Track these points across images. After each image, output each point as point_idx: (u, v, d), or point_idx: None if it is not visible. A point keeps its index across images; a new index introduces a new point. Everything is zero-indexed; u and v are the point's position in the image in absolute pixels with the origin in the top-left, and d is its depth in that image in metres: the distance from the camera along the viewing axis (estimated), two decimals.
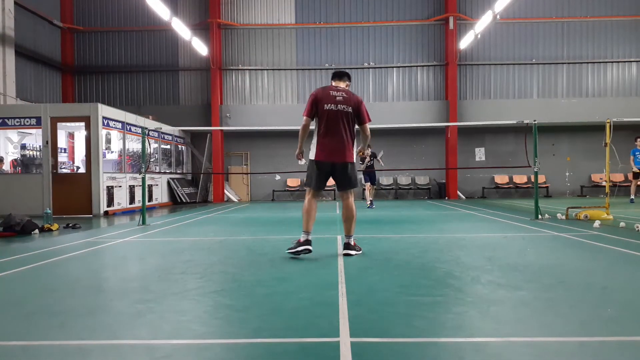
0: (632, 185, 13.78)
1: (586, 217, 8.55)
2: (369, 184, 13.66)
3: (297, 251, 4.86)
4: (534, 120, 9.15)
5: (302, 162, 5.32)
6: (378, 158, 13.50)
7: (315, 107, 4.97)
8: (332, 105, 4.92)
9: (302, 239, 4.91)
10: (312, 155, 5.03)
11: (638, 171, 13.49)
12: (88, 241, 6.66)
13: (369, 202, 13.51)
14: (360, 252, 5.12)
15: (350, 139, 5.00)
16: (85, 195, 11.91)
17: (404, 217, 10.27)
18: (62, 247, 6.06)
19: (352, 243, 5.08)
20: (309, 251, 4.90)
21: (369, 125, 5.15)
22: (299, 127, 5.09)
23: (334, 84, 5.16)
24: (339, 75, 5.20)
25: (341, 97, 4.96)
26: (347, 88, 5.14)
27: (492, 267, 4.34)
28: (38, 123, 12.08)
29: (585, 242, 5.91)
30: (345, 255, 4.97)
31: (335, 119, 4.91)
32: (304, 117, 5.01)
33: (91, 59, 19.54)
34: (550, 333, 2.55)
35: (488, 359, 2.24)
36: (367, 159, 13.13)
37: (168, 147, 17.37)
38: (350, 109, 4.96)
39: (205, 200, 18.70)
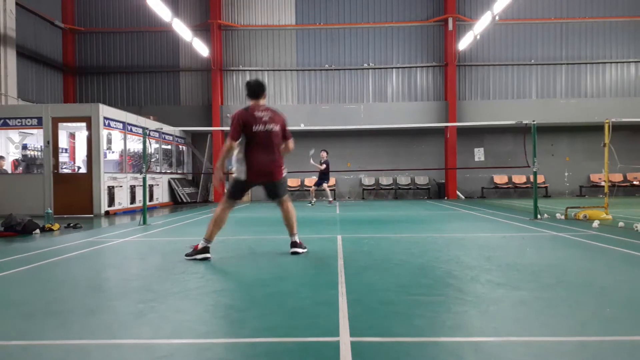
0: None
1: (585, 217, 8.56)
2: (325, 184, 14.59)
3: (196, 259, 4.82)
4: (533, 121, 9.17)
5: (220, 188, 5.45)
6: (312, 161, 14.54)
7: (242, 130, 4.80)
8: (261, 125, 4.82)
9: (200, 246, 4.87)
10: (242, 175, 4.87)
11: None
12: (89, 241, 6.67)
13: (329, 201, 15.33)
14: (306, 250, 5.22)
15: (280, 156, 5.02)
16: (86, 195, 11.92)
17: (403, 217, 10.27)
18: (63, 247, 6.07)
19: (298, 241, 5.17)
20: (208, 259, 4.82)
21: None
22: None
23: (252, 103, 4.96)
24: (256, 93, 4.97)
25: (267, 117, 4.87)
26: (264, 104, 5.01)
27: (492, 266, 4.35)
28: (39, 123, 12.10)
29: (584, 242, 5.92)
30: (293, 254, 5.07)
31: (266, 140, 4.85)
32: (229, 141, 4.79)
33: (92, 60, 19.55)
34: (550, 333, 2.56)
35: (487, 358, 2.24)
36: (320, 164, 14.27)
37: (169, 147, 17.38)
38: (278, 128, 4.94)
39: (205, 200, 18.70)
